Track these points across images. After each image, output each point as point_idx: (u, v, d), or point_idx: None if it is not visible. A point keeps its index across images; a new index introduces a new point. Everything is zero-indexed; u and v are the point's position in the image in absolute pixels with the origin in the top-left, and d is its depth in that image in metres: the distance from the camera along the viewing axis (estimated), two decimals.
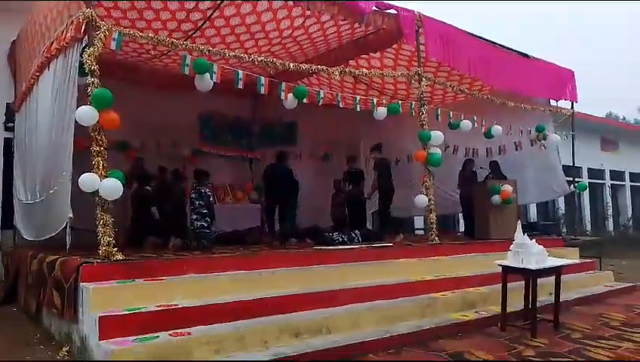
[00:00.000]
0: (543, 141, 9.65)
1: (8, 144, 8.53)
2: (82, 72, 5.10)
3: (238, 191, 10.78)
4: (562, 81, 9.77)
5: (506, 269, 5.59)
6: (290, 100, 6.68)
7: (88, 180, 4.83)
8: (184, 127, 10.00)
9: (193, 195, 7.26)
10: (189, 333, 4.22)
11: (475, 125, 8.56)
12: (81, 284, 4.52)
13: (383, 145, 9.26)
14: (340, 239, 7.70)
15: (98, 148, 4.97)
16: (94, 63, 5.02)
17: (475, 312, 5.99)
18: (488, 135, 8.99)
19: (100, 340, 4.00)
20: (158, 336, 4.11)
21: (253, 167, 11.49)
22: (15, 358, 4.57)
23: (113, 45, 5.32)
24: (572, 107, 10.19)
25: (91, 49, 5.04)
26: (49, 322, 5.51)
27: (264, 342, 4.43)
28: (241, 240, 8.06)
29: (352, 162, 9.54)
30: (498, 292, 5.67)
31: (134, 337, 4.05)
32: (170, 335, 4.16)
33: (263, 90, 6.33)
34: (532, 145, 9.84)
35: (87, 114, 4.85)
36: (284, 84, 6.58)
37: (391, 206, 8.84)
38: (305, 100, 6.75)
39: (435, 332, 5.26)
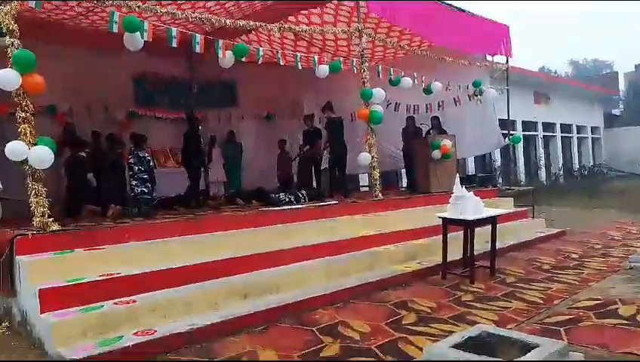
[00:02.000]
0: (479, 96, 9.93)
1: None
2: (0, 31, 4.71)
3: (178, 154, 10.48)
4: (497, 36, 10.00)
5: (446, 221, 5.83)
6: (227, 59, 6.46)
7: (16, 149, 4.55)
8: (116, 89, 9.50)
9: (132, 160, 7.00)
10: (134, 301, 4.16)
11: (416, 82, 8.67)
12: (17, 258, 4.34)
13: (323, 104, 9.23)
14: (287, 199, 7.72)
15: (24, 115, 4.66)
16: (12, 22, 4.64)
17: (418, 263, 6.25)
18: (428, 91, 9.15)
19: (41, 313, 3.88)
20: (102, 306, 4.03)
21: None
22: None
23: (32, 3, 4.91)
24: (507, 62, 10.50)
25: (7, 7, 4.64)
26: None
27: (213, 304, 4.45)
28: (185, 205, 7.93)
29: (308, 121, 9.48)
30: (439, 244, 5.92)
31: (77, 308, 3.96)
32: (114, 304, 4.09)
33: (198, 49, 6.07)
34: (470, 100, 10.10)
35: (9, 78, 4.51)
36: (221, 42, 6.34)
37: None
38: (244, 59, 6.57)
39: (379, 284, 5.46)
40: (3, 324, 4.52)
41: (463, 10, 9.36)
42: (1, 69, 4.55)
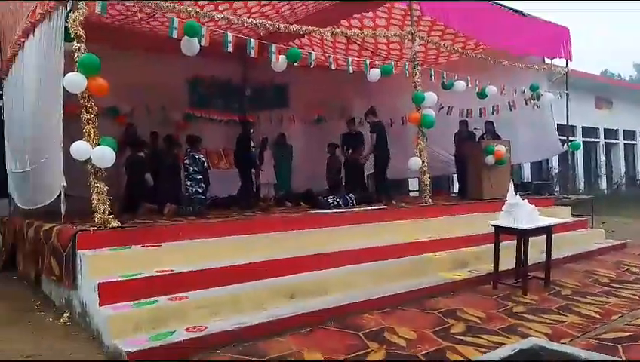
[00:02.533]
0: (536, 100, 9.61)
1: None
2: (68, 37, 4.99)
3: (231, 155, 10.74)
4: (557, 38, 9.65)
5: (499, 229, 5.67)
6: (280, 63, 6.58)
7: (80, 148, 4.80)
8: (173, 92, 9.88)
9: (187, 161, 7.24)
10: (185, 297, 4.30)
11: (469, 85, 8.50)
12: (79, 252, 4.57)
13: (377, 108, 9.20)
14: (335, 203, 7.75)
15: (88, 116, 4.92)
16: (80, 28, 4.91)
17: (468, 271, 6.11)
18: (482, 95, 8.94)
19: (99, 306, 4.07)
20: (156, 301, 4.18)
21: None
22: (17, 325, 4.65)
23: (98, 8, 5.19)
24: (566, 65, 10.11)
25: (76, 13, 4.92)
26: (49, 289, 5.59)
27: (260, 304, 4.52)
28: (236, 205, 8.11)
29: (350, 125, 9.50)
30: (490, 252, 5.77)
31: (133, 302, 4.13)
32: (167, 299, 4.24)
33: (252, 53, 6.22)
34: (526, 104, 9.80)
35: (76, 81, 4.78)
36: (274, 46, 6.47)
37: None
38: (296, 63, 6.66)
39: (428, 291, 5.38)
40: (65, 315, 4.76)
41: (521, 12, 9.10)
42: (68, 73, 4.83)
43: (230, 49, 6.06)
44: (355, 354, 3.73)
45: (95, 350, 3.91)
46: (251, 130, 8.87)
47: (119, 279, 4.29)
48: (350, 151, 9.22)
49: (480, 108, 10.16)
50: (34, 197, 6.26)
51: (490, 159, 8.61)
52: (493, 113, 10.05)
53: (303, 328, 4.29)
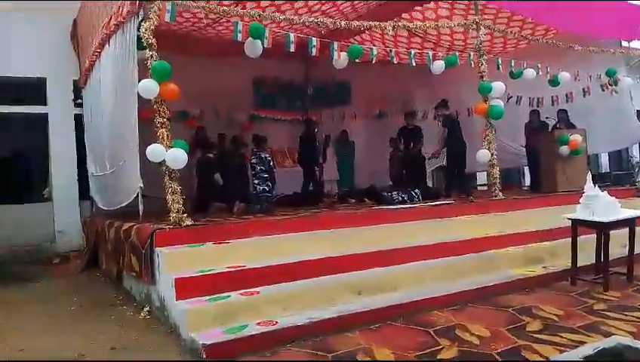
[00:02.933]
0: (614, 86, 9.04)
1: (79, 120, 9.00)
2: (140, 45, 5.27)
3: (295, 154, 10.90)
4: (634, 19, 9.00)
5: (576, 222, 5.39)
6: (342, 60, 6.59)
7: (155, 151, 5.06)
8: (239, 94, 10.17)
9: (254, 160, 7.43)
10: (257, 292, 4.41)
11: (540, 73, 8.13)
12: (156, 249, 4.81)
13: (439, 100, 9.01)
14: (400, 198, 7.66)
15: (161, 120, 5.17)
16: (151, 37, 5.16)
17: (543, 267, 5.85)
18: (554, 82, 8.53)
19: (176, 300, 4.27)
20: (229, 296, 4.33)
21: None
22: (102, 318, 4.98)
23: (167, 17, 5.43)
24: None
25: (147, 23, 5.18)
26: (129, 284, 5.93)
27: (329, 299, 4.56)
28: (302, 203, 8.22)
29: (409, 118, 9.37)
30: (566, 247, 5.50)
31: (207, 297, 4.29)
32: (240, 294, 4.37)
33: (314, 52, 6.28)
34: (603, 90, 9.24)
35: (149, 87, 5.03)
36: (335, 44, 6.49)
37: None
38: (358, 59, 6.64)
39: (500, 288, 5.20)
40: (145, 309, 5.04)
41: None
42: (142, 80, 5.09)
43: (292, 49, 6.15)
44: (425, 351, 3.68)
45: (173, 343, 4.11)
46: (315, 130, 8.96)
47: (194, 275, 4.47)
48: (411, 145, 9.06)
49: (552, 97, 9.68)
50: (113, 199, 6.66)
51: (564, 149, 8.19)
52: (567, 101, 9.55)
53: (372, 324, 4.28)
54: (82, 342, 4.25)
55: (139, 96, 5.18)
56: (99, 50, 6.87)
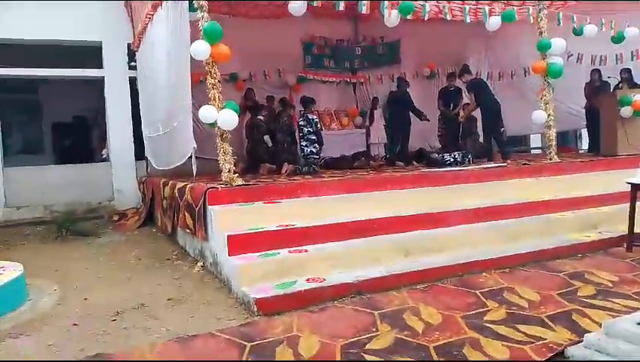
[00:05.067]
0: None
1: (133, 83, 9.27)
2: (192, 7, 5.32)
3: (343, 116, 10.85)
4: None
5: (635, 187, 5.15)
6: (393, 17, 6.41)
7: (207, 112, 5.17)
8: (288, 55, 10.11)
9: (301, 122, 7.47)
10: (305, 250, 4.53)
11: (604, 29, 7.63)
12: (209, 207, 4.98)
13: (494, 59, 8.66)
14: (452, 159, 7.52)
15: (213, 81, 5.25)
16: None
17: (598, 233, 5.67)
18: (618, 39, 7.98)
19: (229, 256, 4.44)
20: (279, 253, 4.46)
21: (356, 91, 11.38)
22: (160, 271, 5.26)
23: None
24: None
25: None
26: (184, 241, 6.19)
27: (376, 259, 4.62)
28: (349, 165, 8.23)
29: (451, 79, 9.08)
30: (624, 212, 5.29)
31: (258, 253, 4.44)
32: (289, 252, 4.50)
33: (364, 9, 6.14)
34: None
35: (201, 48, 5.10)
36: (387, 2, 6.31)
37: (503, 123, 8.33)
38: (409, 16, 6.45)
39: (552, 252, 5.10)
40: (198, 264, 5.28)
41: None
42: (195, 41, 5.16)
43: (342, 7, 6.04)
44: (472, 312, 3.69)
45: (225, 296, 4.30)
46: (407, 89, 8.75)
47: (245, 232, 4.62)
48: (451, 106, 8.83)
49: (616, 55, 9.11)
50: (168, 159, 6.89)
51: (626, 111, 7.74)
52: (632, 59, 8.96)
53: (419, 284, 4.33)
54: (142, 293, 4.52)
55: (191, 58, 5.27)
56: (151, 13, 6.98)
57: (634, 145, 7.55)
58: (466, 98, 8.79)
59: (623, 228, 5.38)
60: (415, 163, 8.26)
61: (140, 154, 9.20)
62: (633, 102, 7.68)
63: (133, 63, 9.30)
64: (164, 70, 6.55)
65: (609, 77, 8.68)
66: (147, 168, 8.93)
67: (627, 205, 5.25)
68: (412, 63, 11.29)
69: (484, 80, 8.38)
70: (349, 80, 11.22)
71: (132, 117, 9.40)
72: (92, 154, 12.20)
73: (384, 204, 5.44)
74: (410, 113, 8.50)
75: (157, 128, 7.35)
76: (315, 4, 5.81)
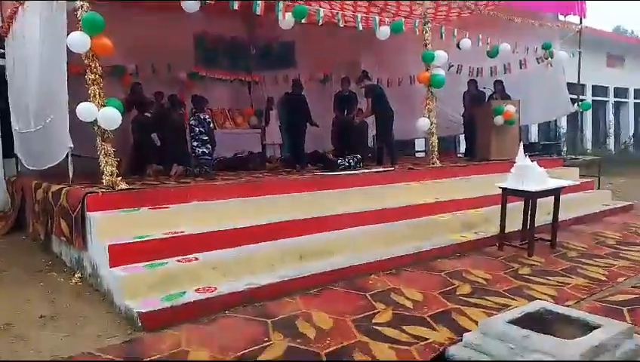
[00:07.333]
0: (549, 59, 9.39)
1: (2, 71, 8.30)
2: None
3: (237, 116, 10.64)
4: None
5: (506, 191, 5.65)
6: (287, 20, 6.42)
7: (86, 110, 4.75)
8: (179, 50, 9.63)
9: (193, 122, 7.18)
10: (196, 259, 4.35)
11: (480, 44, 8.29)
12: (88, 214, 4.60)
13: (384, 66, 9.01)
14: (346, 163, 7.69)
15: (93, 77, 4.84)
16: None
17: (475, 233, 6.15)
18: (493, 53, 8.72)
19: (110, 267, 4.13)
20: (166, 262, 4.24)
21: (252, 90, 11.24)
22: (31, 284, 4.75)
23: None
24: (580, 23, 9.81)
25: None
26: (59, 249, 5.67)
27: (270, 265, 4.58)
28: (243, 166, 8.09)
29: (344, 84, 9.33)
30: (498, 214, 5.78)
31: (143, 264, 4.19)
32: (178, 261, 4.30)
33: (258, 10, 6.06)
34: (538, 63, 9.58)
35: (79, 40, 4.68)
36: (281, 4, 6.29)
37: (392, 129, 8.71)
38: (304, 20, 6.49)
39: (434, 253, 5.43)
40: (76, 275, 4.84)
41: None
42: (72, 32, 4.72)
43: (236, 7, 5.90)
44: (362, 315, 3.79)
45: (107, 310, 3.99)
46: (301, 91, 8.67)
47: (129, 241, 4.34)
48: (345, 112, 9.09)
49: (491, 67, 9.95)
50: (40, 158, 6.26)
51: (499, 119, 8.49)
52: (505, 72, 9.84)
53: (312, 289, 4.37)
54: (8, 310, 4.05)
55: (68, 49, 4.81)
56: None
57: (504, 151, 8.28)
58: (362, 103, 9.05)
59: (496, 229, 5.88)
60: (310, 165, 8.34)
61: (8, 151, 8.28)
62: (505, 111, 8.44)
63: (1, 50, 8.33)
64: (37, 60, 5.94)
65: (484, 87, 9.45)
66: (17, 167, 8.07)
67: (499, 207, 5.74)
68: (307, 66, 11.38)
69: (381, 87, 8.68)
70: (243, 79, 11.01)
71: (0, 109, 8.41)
72: None
73: (278, 207, 5.42)
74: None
75: (28, 123, 6.64)
76: (207, 2, 5.61)
